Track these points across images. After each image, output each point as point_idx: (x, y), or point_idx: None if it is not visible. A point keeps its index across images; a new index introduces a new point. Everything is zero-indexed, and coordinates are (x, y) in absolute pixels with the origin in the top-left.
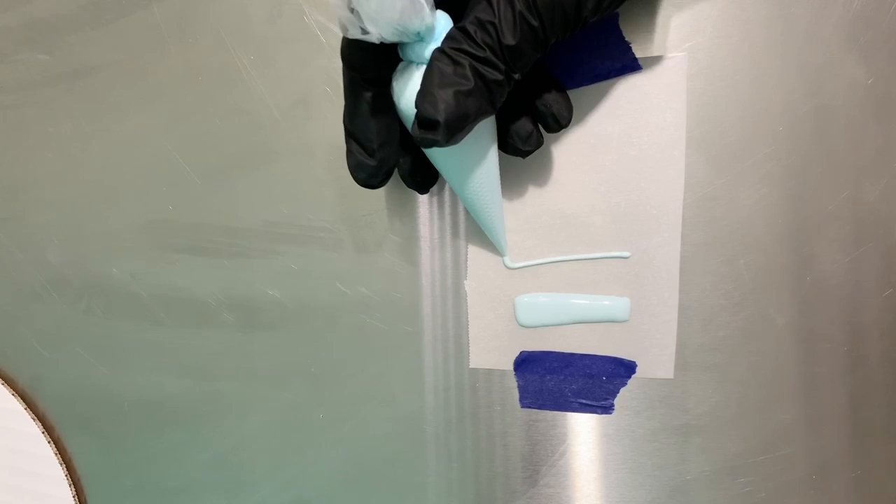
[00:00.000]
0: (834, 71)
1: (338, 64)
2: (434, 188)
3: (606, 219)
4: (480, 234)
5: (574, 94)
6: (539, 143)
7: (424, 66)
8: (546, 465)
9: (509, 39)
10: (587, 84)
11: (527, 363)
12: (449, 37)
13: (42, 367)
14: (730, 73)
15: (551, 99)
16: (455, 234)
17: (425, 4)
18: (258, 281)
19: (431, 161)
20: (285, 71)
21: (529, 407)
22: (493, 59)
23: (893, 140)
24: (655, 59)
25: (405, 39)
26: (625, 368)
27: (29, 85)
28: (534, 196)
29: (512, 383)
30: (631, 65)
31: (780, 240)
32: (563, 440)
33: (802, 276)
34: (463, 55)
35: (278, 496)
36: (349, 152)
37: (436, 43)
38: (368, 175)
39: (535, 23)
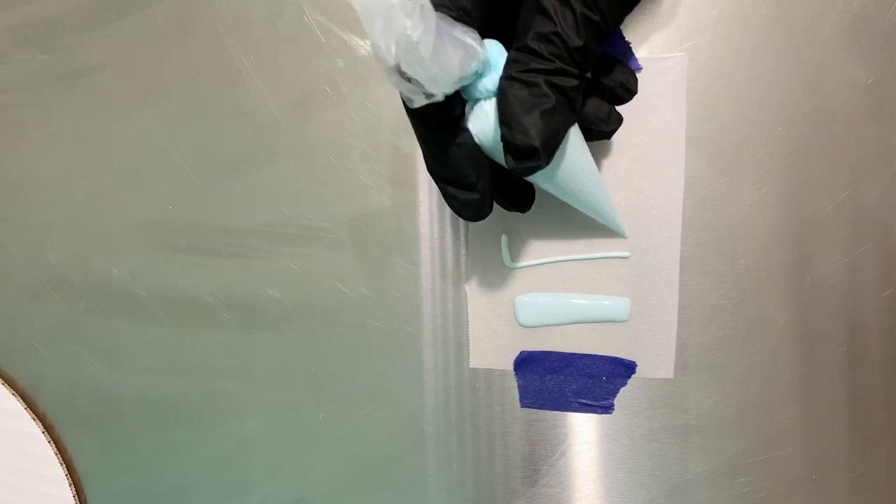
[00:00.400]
0: (834, 71)
1: (338, 64)
2: (434, 187)
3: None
4: (481, 234)
5: None
6: (620, 119)
7: (492, 98)
8: (546, 465)
9: (576, 41)
10: None
11: (527, 363)
12: (512, 60)
13: (42, 367)
14: (730, 73)
15: (613, 71)
16: (455, 234)
17: (477, 46)
18: (258, 281)
19: (531, 180)
20: (285, 71)
21: (529, 407)
22: (565, 66)
23: (893, 140)
24: (655, 59)
25: (466, 83)
26: (625, 368)
27: (29, 85)
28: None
29: (512, 383)
30: (631, 65)
31: (780, 240)
32: (563, 440)
33: (802, 276)
34: (534, 74)
35: (278, 496)
36: (448, 196)
37: (496, 73)
38: (476, 209)
39: (596, 18)
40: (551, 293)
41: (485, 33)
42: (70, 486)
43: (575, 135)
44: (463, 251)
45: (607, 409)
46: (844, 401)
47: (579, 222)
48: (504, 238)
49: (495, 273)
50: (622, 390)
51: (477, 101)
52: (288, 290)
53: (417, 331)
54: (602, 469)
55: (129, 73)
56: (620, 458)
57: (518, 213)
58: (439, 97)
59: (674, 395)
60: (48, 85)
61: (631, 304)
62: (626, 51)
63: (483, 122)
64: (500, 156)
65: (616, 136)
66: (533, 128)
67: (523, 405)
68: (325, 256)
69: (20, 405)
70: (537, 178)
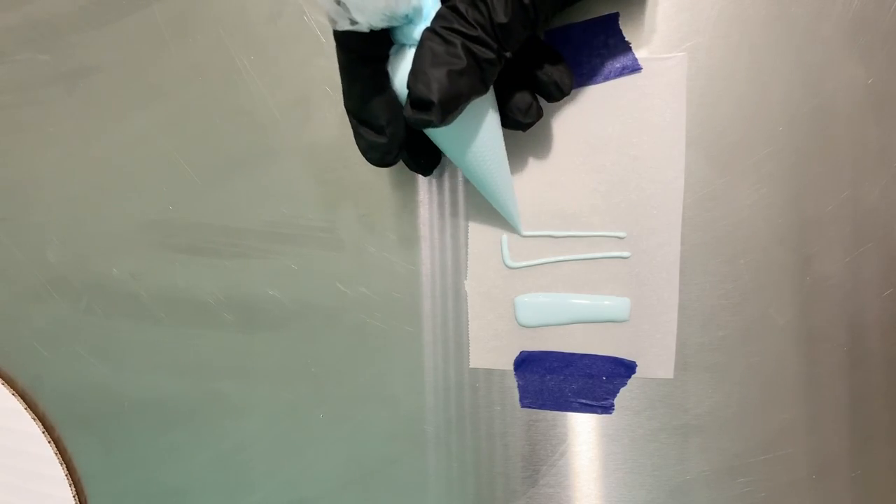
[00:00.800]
0: (834, 71)
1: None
2: (434, 187)
3: (606, 219)
4: (481, 233)
5: (574, 95)
6: (539, 114)
7: (416, 47)
8: (546, 464)
9: (501, 17)
10: (587, 84)
11: (527, 363)
12: (439, 16)
13: (42, 367)
14: (730, 73)
15: (551, 68)
16: (455, 233)
17: None
18: (258, 281)
19: (434, 141)
20: (285, 71)
21: (529, 407)
22: (485, 37)
23: (893, 140)
24: (655, 59)
25: (394, 24)
26: (625, 368)
27: (29, 85)
28: (534, 196)
29: (512, 383)
30: (631, 65)
31: (780, 240)
32: (563, 440)
33: (802, 276)
34: (454, 34)
35: (278, 496)
36: (357, 135)
37: (425, 23)
38: (382, 154)
39: (526, 1)
40: (551, 293)
41: None
42: (70, 486)
43: (490, 112)
44: (463, 251)
45: (607, 409)
46: (845, 401)
47: (579, 222)
48: (504, 238)
49: (495, 273)
50: (622, 390)
51: (402, 46)
52: (288, 290)
53: (417, 331)
54: (602, 469)
55: (130, 73)
56: (620, 458)
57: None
58: (363, 27)
59: (674, 395)
60: (48, 85)
61: (631, 304)
62: (626, 51)
63: (399, 67)
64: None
65: (616, 136)
66: (436, 82)
67: (523, 405)
68: (325, 256)
69: (20, 405)
70: (442, 142)
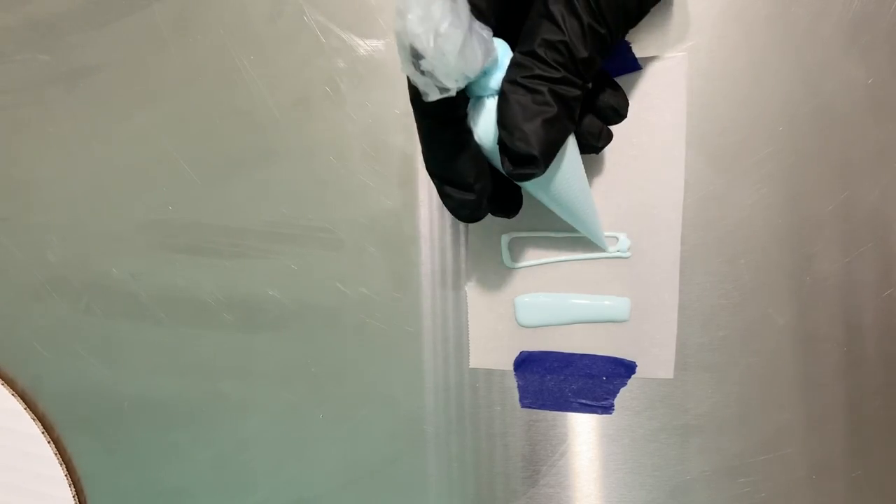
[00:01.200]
0: (834, 71)
1: (338, 64)
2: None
3: (606, 219)
4: (481, 234)
5: None
6: (610, 136)
7: (495, 97)
8: (546, 465)
9: (582, 52)
10: None
11: (527, 363)
12: (517, 65)
13: (42, 367)
14: (730, 73)
15: (610, 93)
16: (455, 234)
17: (493, 43)
18: (258, 281)
19: (524, 187)
20: (285, 71)
21: (529, 407)
22: (570, 76)
23: (893, 140)
24: (655, 59)
25: (472, 79)
26: (625, 368)
27: (29, 85)
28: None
29: (512, 383)
30: (631, 65)
31: (780, 240)
32: (563, 440)
33: (802, 276)
34: (539, 81)
35: (278, 496)
36: (445, 196)
37: (500, 72)
38: (472, 210)
39: (603, 31)
40: (551, 293)
41: (496, 33)
42: (70, 486)
43: (571, 146)
44: (463, 251)
45: (607, 409)
46: (844, 401)
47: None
48: (504, 238)
49: (495, 273)
50: (622, 390)
51: (480, 98)
52: (288, 290)
53: (417, 331)
54: (602, 469)
55: (129, 73)
56: (620, 459)
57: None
58: (453, 92)
59: (674, 395)
60: (48, 85)
61: (631, 304)
62: (626, 51)
63: (485, 121)
64: (497, 158)
65: (616, 136)
66: (533, 135)
67: (523, 405)
68: (325, 256)
69: (20, 405)
70: (529, 185)
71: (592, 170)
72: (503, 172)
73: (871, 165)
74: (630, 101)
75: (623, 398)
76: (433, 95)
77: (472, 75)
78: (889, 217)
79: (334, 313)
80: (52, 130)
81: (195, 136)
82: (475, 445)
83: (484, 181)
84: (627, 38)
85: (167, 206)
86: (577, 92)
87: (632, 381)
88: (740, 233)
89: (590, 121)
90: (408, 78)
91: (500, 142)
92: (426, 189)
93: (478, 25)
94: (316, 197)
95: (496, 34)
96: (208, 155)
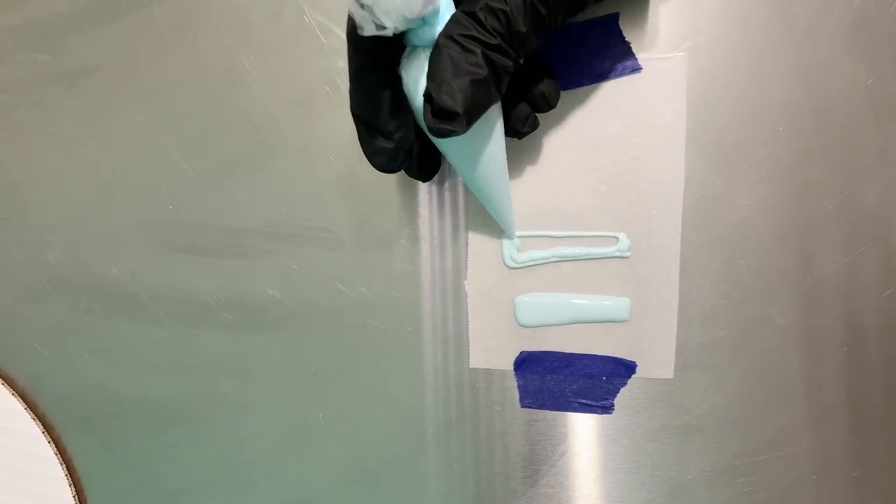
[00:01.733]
0: (834, 71)
1: (338, 64)
2: (434, 187)
3: (606, 219)
4: (481, 233)
5: (574, 94)
6: (536, 124)
7: (429, 50)
8: (546, 465)
9: (521, 27)
10: (587, 84)
11: (527, 363)
12: (456, 22)
13: (42, 367)
14: (730, 73)
15: (544, 80)
16: (455, 234)
17: None
18: (258, 281)
19: (440, 148)
20: (285, 71)
21: (529, 407)
22: (505, 46)
23: (893, 140)
24: (655, 59)
25: (412, 25)
26: (625, 368)
27: (29, 85)
28: (534, 196)
29: (512, 383)
30: (631, 65)
31: (780, 240)
32: (563, 440)
33: (802, 276)
34: (474, 42)
35: (278, 496)
36: (363, 139)
37: (440, 26)
38: (387, 159)
39: (543, 11)
40: (551, 293)
41: None
42: (70, 486)
43: (499, 123)
44: (463, 251)
45: (607, 409)
46: (844, 401)
47: (580, 222)
48: (504, 238)
49: (495, 273)
50: (622, 390)
51: (415, 48)
52: (288, 290)
53: (417, 331)
54: (602, 469)
55: (130, 73)
56: (620, 459)
57: (518, 214)
58: (389, 31)
59: (674, 395)
60: (48, 85)
61: (631, 304)
62: (626, 51)
63: (416, 72)
64: (421, 112)
65: (616, 136)
66: (460, 93)
67: (523, 405)
68: (325, 256)
69: (20, 405)
70: (448, 148)
71: (593, 170)
72: (424, 128)
73: (871, 165)
74: (630, 101)
75: (623, 398)
76: (369, 31)
77: (410, 17)
78: (889, 217)
79: (334, 313)
80: (52, 130)
81: (195, 136)
82: (475, 445)
83: (404, 132)
84: (627, 37)
85: (167, 206)
86: (508, 63)
87: (632, 381)
88: (740, 233)
89: (522, 106)
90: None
91: (427, 93)
92: (426, 189)
93: None
94: (316, 197)
95: None
96: (208, 155)
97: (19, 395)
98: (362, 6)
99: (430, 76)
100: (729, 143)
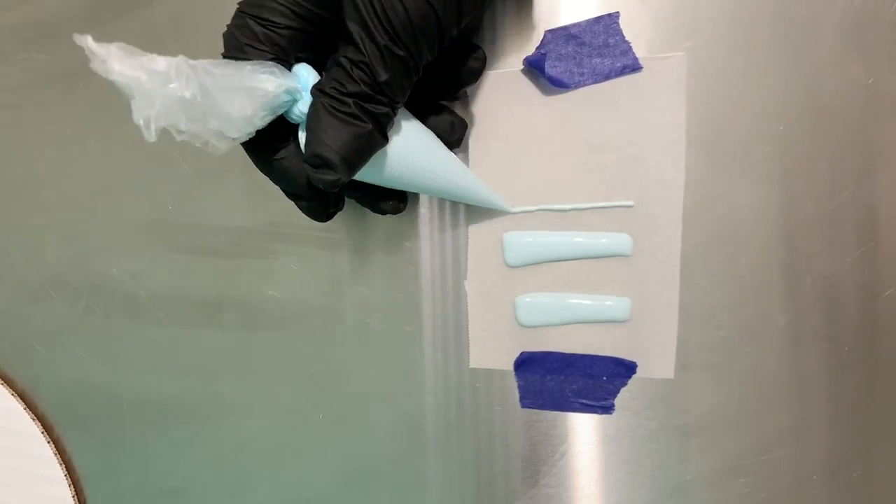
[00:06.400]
0: (834, 71)
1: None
2: None
3: (606, 219)
4: (481, 233)
5: (574, 94)
6: (463, 126)
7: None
8: (546, 465)
9: (382, 75)
10: (587, 84)
11: (527, 363)
12: (328, 73)
13: (42, 367)
14: (730, 72)
15: (470, 59)
16: (455, 234)
17: (267, 85)
18: (258, 281)
19: (381, 183)
20: None
21: (530, 407)
22: (374, 94)
23: (893, 140)
24: (655, 59)
25: (279, 111)
26: (625, 368)
27: (29, 85)
28: (534, 196)
29: (512, 383)
30: (631, 65)
31: (780, 240)
32: (563, 440)
33: (802, 276)
34: (344, 94)
35: (278, 496)
36: (296, 204)
37: (307, 96)
38: (315, 214)
39: (401, 53)
40: (551, 293)
41: (307, 61)
42: (70, 486)
43: (414, 136)
44: (463, 251)
45: (607, 409)
46: (845, 401)
47: (580, 222)
48: (504, 238)
49: (495, 273)
50: (622, 390)
51: (299, 121)
52: (288, 290)
53: (417, 331)
54: (602, 469)
55: None
56: (620, 459)
57: (516, 213)
58: (243, 138)
59: (674, 395)
60: (48, 85)
61: (631, 304)
62: (626, 51)
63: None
64: None
65: (616, 136)
66: (336, 142)
67: (523, 405)
68: (325, 256)
69: (20, 405)
70: (380, 179)
71: (593, 170)
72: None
73: (871, 165)
74: (630, 101)
75: (623, 398)
76: (225, 145)
77: (246, 122)
78: (889, 217)
79: (334, 313)
80: (52, 130)
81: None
82: (475, 445)
83: (319, 190)
84: (627, 38)
85: (167, 206)
86: (384, 109)
87: (632, 381)
88: (740, 233)
89: (438, 119)
90: None
91: (305, 147)
92: None
93: (245, 70)
94: None
95: (309, 62)
96: (208, 155)
97: (19, 395)
98: (180, 132)
99: (307, 130)
100: (729, 143)
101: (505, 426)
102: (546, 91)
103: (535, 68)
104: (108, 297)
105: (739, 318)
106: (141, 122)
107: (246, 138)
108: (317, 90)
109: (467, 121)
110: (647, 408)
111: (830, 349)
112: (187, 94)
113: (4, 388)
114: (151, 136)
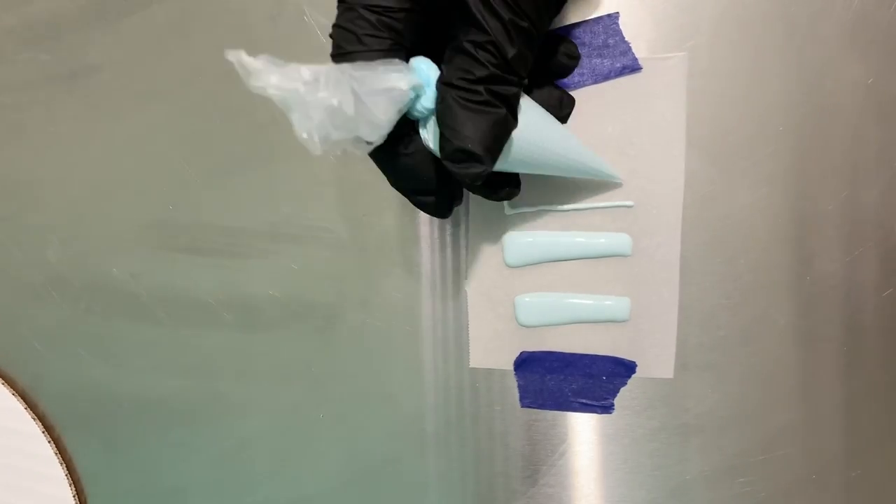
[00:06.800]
0: (834, 71)
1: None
2: None
3: (606, 219)
4: (481, 233)
5: (574, 94)
6: (571, 101)
7: (433, 115)
8: (546, 464)
9: (510, 51)
10: (587, 84)
11: (527, 363)
12: (450, 64)
13: (42, 366)
14: (730, 73)
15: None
16: (455, 234)
17: (402, 84)
18: (258, 281)
19: (503, 167)
20: None
21: (530, 407)
22: (504, 74)
23: (893, 140)
24: (655, 59)
25: (404, 110)
26: (625, 368)
27: (29, 85)
28: (534, 196)
29: (512, 383)
30: (631, 65)
31: (780, 240)
32: (563, 440)
33: (802, 276)
34: (474, 82)
35: (278, 496)
36: (417, 203)
37: (430, 88)
38: (437, 210)
39: (525, 24)
40: (551, 293)
41: (419, 49)
42: (70, 486)
43: (535, 116)
44: (463, 251)
45: (607, 408)
46: (844, 401)
47: (580, 222)
48: (504, 238)
49: (495, 273)
50: (622, 390)
51: (420, 117)
52: (288, 290)
53: (417, 331)
54: (602, 469)
55: (129, 73)
56: (620, 458)
57: (517, 213)
58: (379, 141)
59: (674, 395)
60: (48, 85)
61: (631, 304)
62: (626, 51)
63: (434, 134)
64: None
65: (616, 136)
66: (476, 133)
67: (523, 405)
68: (325, 256)
69: (20, 405)
70: (510, 167)
71: None
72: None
73: (871, 165)
74: (630, 101)
75: (623, 398)
76: (364, 150)
77: (385, 125)
78: (889, 217)
79: (334, 313)
80: (52, 130)
81: (195, 136)
82: (475, 445)
83: (441, 184)
84: (627, 38)
85: (167, 206)
86: (514, 89)
87: (632, 381)
88: (740, 233)
89: (547, 93)
90: None
91: (443, 143)
92: None
93: (379, 70)
94: (316, 197)
95: (422, 50)
96: (208, 155)
97: (19, 395)
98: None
99: (442, 126)
100: (729, 143)
101: (505, 426)
102: None
103: None
104: (109, 296)
105: (739, 318)
106: (304, 135)
107: (381, 141)
108: (444, 84)
109: None
110: (646, 407)
111: (830, 349)
112: (335, 102)
113: (5, 388)
114: (317, 149)
